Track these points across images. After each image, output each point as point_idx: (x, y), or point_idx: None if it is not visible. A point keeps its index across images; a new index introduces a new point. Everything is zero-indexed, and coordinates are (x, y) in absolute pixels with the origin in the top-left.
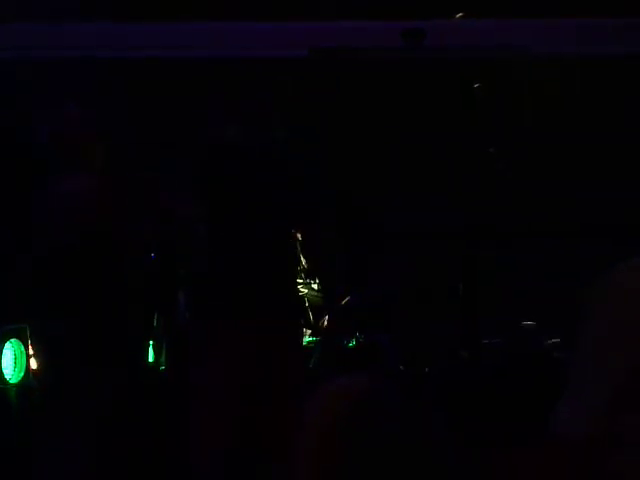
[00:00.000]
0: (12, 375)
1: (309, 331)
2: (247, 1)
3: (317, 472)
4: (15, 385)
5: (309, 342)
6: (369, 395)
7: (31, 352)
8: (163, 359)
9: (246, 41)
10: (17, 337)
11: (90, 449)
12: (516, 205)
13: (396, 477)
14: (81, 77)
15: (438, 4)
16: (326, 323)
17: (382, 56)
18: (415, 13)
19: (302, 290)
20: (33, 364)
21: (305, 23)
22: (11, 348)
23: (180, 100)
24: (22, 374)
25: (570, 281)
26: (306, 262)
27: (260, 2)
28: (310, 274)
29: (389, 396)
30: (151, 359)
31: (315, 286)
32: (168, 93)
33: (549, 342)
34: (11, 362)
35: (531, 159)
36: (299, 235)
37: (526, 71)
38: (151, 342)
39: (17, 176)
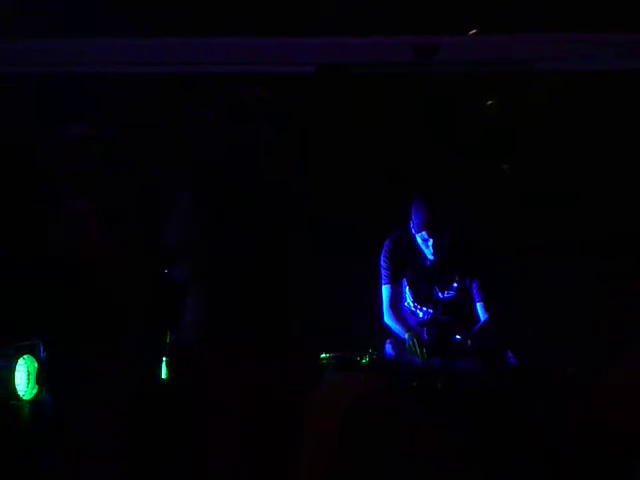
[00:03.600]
0: (25, 391)
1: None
2: (254, 16)
3: (318, 467)
4: (29, 402)
5: (324, 357)
6: (368, 393)
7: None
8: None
9: (253, 57)
10: (30, 353)
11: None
12: (527, 221)
13: (392, 472)
14: (85, 93)
15: (450, 20)
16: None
17: (393, 72)
18: (427, 29)
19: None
20: None
21: (313, 39)
22: (24, 364)
23: (182, 116)
24: (35, 390)
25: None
26: None
27: (267, 17)
28: None
29: (387, 394)
30: (164, 375)
31: None
32: (173, 109)
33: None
34: (24, 379)
35: (545, 175)
36: None
37: (540, 87)
38: (164, 359)
39: (22, 193)
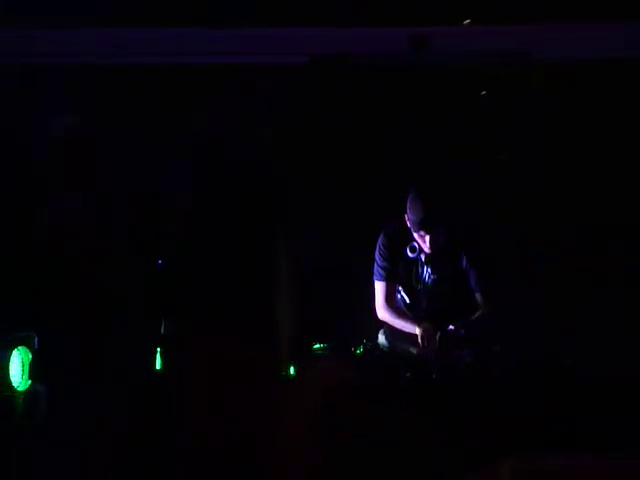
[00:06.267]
0: (20, 383)
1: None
2: (246, 7)
3: (299, 457)
4: (23, 393)
5: (318, 348)
6: (341, 385)
7: None
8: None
9: (246, 47)
10: (25, 345)
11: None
12: (523, 210)
13: (369, 463)
14: (81, 84)
15: (444, 10)
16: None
17: (386, 63)
18: (420, 19)
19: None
20: None
21: (306, 29)
22: (19, 355)
23: (178, 107)
24: (30, 382)
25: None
26: None
27: (259, 8)
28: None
29: (360, 386)
30: (159, 366)
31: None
32: (166, 100)
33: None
34: (19, 369)
35: (544, 166)
36: None
37: (534, 78)
38: (159, 349)
39: (17, 187)
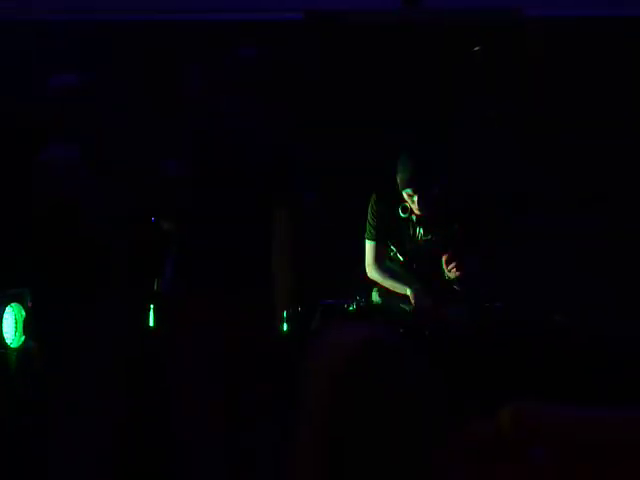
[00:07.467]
0: (13, 339)
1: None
2: None
3: (317, 420)
4: (16, 350)
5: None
6: (367, 346)
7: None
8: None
9: (241, 3)
10: (18, 301)
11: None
12: (514, 168)
13: (391, 427)
14: (75, 41)
15: None
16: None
17: (380, 20)
18: None
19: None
20: None
21: None
22: (12, 312)
23: (172, 63)
24: (23, 338)
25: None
26: None
27: None
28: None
29: (387, 348)
30: (152, 323)
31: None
32: (159, 56)
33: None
34: (12, 326)
35: (530, 123)
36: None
37: (529, 34)
38: (152, 306)
39: (17, 148)
